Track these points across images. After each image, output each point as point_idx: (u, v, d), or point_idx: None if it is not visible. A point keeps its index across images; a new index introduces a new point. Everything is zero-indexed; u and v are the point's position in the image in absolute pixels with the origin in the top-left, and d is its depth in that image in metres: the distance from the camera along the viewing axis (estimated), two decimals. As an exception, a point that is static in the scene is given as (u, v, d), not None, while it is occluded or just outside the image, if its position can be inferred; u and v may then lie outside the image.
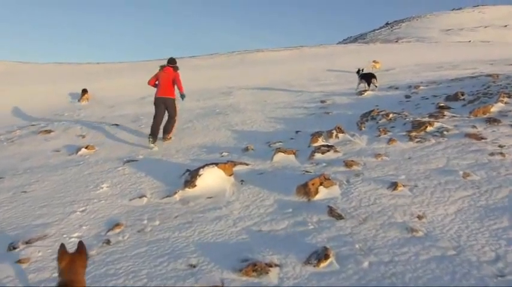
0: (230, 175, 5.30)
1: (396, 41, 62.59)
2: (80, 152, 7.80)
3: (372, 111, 7.85)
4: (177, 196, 5.00)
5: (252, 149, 6.71)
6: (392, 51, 32.84)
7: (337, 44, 68.51)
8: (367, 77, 12.58)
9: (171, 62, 8.50)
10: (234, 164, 5.70)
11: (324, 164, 5.40)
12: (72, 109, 13.88)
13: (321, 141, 6.37)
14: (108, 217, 4.59)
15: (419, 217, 3.66)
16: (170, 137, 8.29)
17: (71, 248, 2.66)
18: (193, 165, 6.03)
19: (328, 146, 5.99)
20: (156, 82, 8.35)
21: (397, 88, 12.10)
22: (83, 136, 9.42)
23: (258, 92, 14.65)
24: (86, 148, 7.95)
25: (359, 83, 12.74)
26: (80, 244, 2.64)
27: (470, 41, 50.18)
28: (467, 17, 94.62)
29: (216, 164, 5.30)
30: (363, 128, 6.99)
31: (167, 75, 8.25)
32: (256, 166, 5.82)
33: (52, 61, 34.45)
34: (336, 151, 5.79)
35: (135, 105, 13.67)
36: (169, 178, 5.72)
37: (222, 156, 6.59)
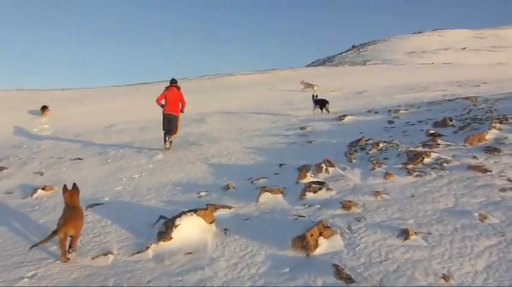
0: (211, 223, 4.57)
1: (364, 64, 64.25)
2: (35, 194, 6.81)
3: (360, 140, 7.36)
4: (149, 252, 4.20)
5: (233, 188, 6.00)
6: (361, 73, 33.37)
7: (306, 66, 69.66)
8: (320, 103, 13.12)
9: (174, 82, 9.85)
10: (215, 208, 4.97)
11: (318, 206, 4.76)
12: (33, 139, 12.75)
13: (309, 177, 5.75)
14: (63, 286, 3.72)
15: (446, 278, 3.05)
16: (171, 141, 9.56)
17: None
18: (168, 209, 5.27)
19: (319, 183, 5.37)
20: (162, 101, 9.66)
21: (376, 112, 11.82)
22: (41, 173, 8.43)
23: (232, 118, 14.08)
24: (43, 189, 6.97)
25: (314, 108, 13.21)
26: (74, 185, 4.61)
27: (433, 63, 52.18)
28: (428, 40, 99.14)
29: (195, 211, 4.54)
30: (353, 160, 6.43)
31: (173, 95, 9.64)
32: (240, 209, 5.10)
33: (12, 87, 32.77)
34: (328, 189, 5.17)
35: (103, 135, 12.74)
36: (140, 226, 4.90)
37: (200, 196, 5.85)
